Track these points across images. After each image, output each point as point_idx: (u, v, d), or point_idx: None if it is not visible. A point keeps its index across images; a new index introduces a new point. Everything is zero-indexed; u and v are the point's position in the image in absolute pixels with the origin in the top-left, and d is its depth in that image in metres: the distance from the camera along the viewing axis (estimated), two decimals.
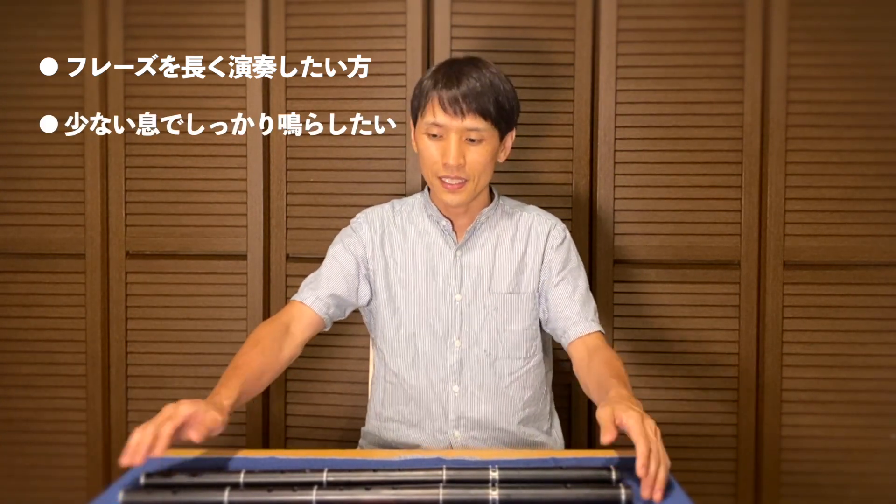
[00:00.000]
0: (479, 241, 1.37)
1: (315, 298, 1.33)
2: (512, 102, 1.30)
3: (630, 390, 1.12)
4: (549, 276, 1.36)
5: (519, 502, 0.92)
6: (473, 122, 1.24)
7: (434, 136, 1.27)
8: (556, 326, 1.34)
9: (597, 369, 1.22)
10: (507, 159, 1.39)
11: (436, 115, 1.25)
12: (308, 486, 0.94)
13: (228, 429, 1.73)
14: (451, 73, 1.26)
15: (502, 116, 1.28)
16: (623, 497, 0.92)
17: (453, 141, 1.25)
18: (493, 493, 0.92)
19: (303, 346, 1.32)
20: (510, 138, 1.35)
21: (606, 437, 0.95)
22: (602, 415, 0.99)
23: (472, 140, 1.26)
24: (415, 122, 1.33)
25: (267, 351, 1.24)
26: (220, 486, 0.94)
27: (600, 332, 1.31)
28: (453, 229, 1.37)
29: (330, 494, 0.93)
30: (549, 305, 1.35)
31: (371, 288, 1.39)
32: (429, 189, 1.41)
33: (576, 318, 1.31)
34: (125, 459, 0.94)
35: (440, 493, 0.93)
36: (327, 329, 1.37)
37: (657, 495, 0.93)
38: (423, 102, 1.28)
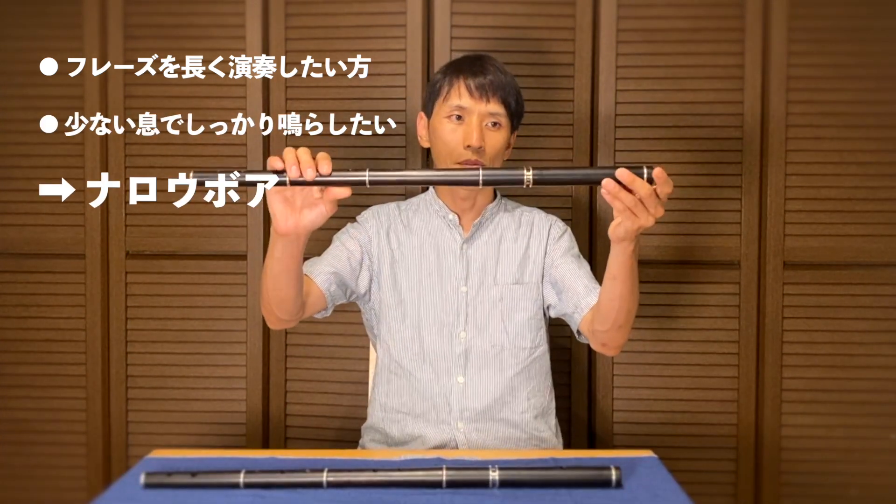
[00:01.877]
0: (484, 234, 1.41)
1: (318, 272, 1.33)
2: (521, 102, 1.38)
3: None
4: (553, 260, 1.39)
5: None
6: (496, 107, 1.31)
7: (456, 117, 1.32)
8: (565, 306, 1.35)
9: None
10: (507, 159, 1.41)
11: (461, 97, 1.31)
12: (309, 485, 0.95)
13: (228, 428, 1.74)
14: (475, 63, 1.34)
15: (518, 112, 1.36)
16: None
17: (475, 123, 1.30)
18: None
19: (307, 312, 1.30)
20: (514, 138, 1.41)
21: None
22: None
23: (493, 125, 1.32)
24: (429, 113, 1.37)
25: None
26: (222, 485, 0.94)
27: None
28: (460, 223, 1.40)
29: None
30: (556, 285, 1.37)
31: (372, 279, 1.41)
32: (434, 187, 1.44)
33: (584, 290, 1.33)
34: (294, 166, 0.99)
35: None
36: (328, 313, 1.37)
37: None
38: (445, 89, 1.33)
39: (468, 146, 1.29)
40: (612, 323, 1.22)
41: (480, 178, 0.99)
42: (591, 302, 1.31)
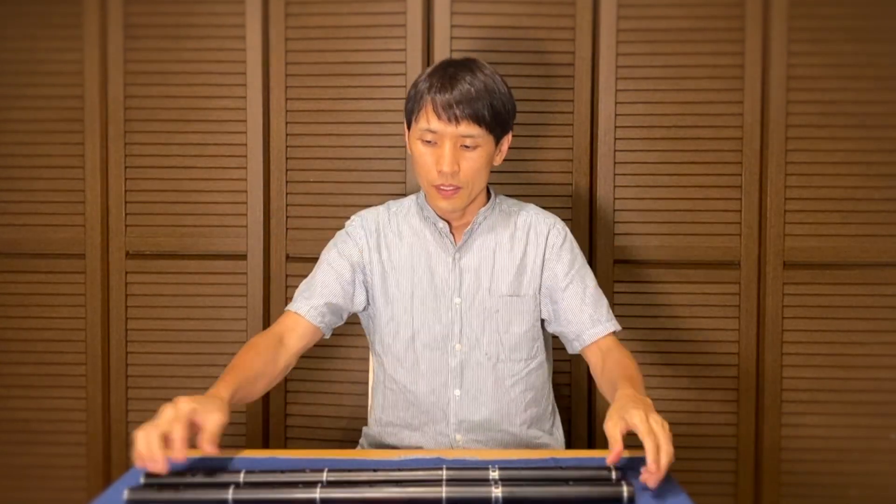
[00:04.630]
0: (477, 242, 1.35)
1: (309, 308, 1.31)
2: (508, 105, 1.29)
3: (640, 388, 1.14)
4: (556, 280, 1.34)
5: (522, 500, 0.92)
6: (468, 128, 1.23)
7: (428, 142, 1.25)
8: (566, 330, 1.33)
9: (609, 372, 1.24)
10: (507, 159, 1.39)
11: (430, 121, 1.23)
12: (309, 485, 0.94)
13: (228, 428, 1.73)
14: (445, 76, 1.25)
15: (497, 121, 1.26)
16: (625, 494, 0.92)
17: (447, 148, 1.23)
18: (496, 491, 0.92)
19: (298, 356, 1.30)
20: (506, 142, 1.33)
21: (612, 455, 0.96)
22: (608, 427, 0.99)
23: (467, 146, 1.25)
24: (409, 126, 1.31)
25: (263, 355, 1.22)
26: (220, 486, 0.94)
27: (614, 332, 1.32)
28: (451, 231, 1.35)
29: (331, 493, 0.93)
30: (558, 309, 1.34)
31: (368, 293, 1.37)
32: None
33: (588, 321, 1.31)
34: (141, 464, 0.94)
35: (443, 491, 0.93)
36: (327, 337, 1.36)
37: (654, 483, 0.95)
38: (417, 106, 1.26)
39: (440, 171, 1.24)
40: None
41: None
42: (598, 333, 1.30)
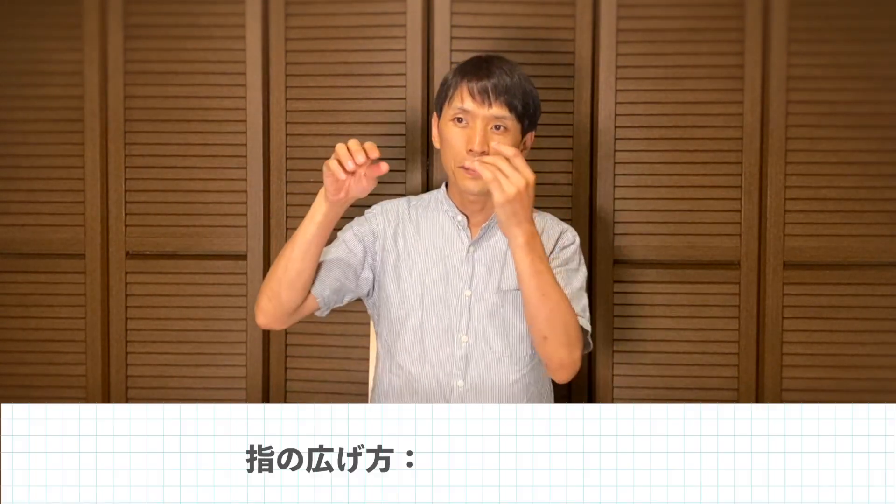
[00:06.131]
0: (492, 238, 1.39)
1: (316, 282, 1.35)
2: (536, 103, 1.35)
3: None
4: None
5: None
6: (500, 110, 1.28)
7: (460, 120, 1.30)
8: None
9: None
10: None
11: (464, 101, 1.29)
12: None
13: None
14: (481, 65, 1.31)
15: (526, 112, 1.32)
16: None
17: (479, 128, 1.28)
18: None
19: (301, 314, 1.35)
20: (530, 138, 1.38)
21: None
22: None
23: (497, 128, 1.29)
24: (439, 113, 1.36)
25: None
26: None
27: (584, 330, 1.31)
28: (468, 225, 1.39)
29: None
30: None
31: (375, 278, 1.41)
32: (446, 185, 1.44)
33: None
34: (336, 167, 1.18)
35: None
36: (323, 315, 1.38)
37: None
38: (451, 92, 1.32)
39: (470, 150, 1.27)
40: (535, 332, 1.25)
41: None
42: None
